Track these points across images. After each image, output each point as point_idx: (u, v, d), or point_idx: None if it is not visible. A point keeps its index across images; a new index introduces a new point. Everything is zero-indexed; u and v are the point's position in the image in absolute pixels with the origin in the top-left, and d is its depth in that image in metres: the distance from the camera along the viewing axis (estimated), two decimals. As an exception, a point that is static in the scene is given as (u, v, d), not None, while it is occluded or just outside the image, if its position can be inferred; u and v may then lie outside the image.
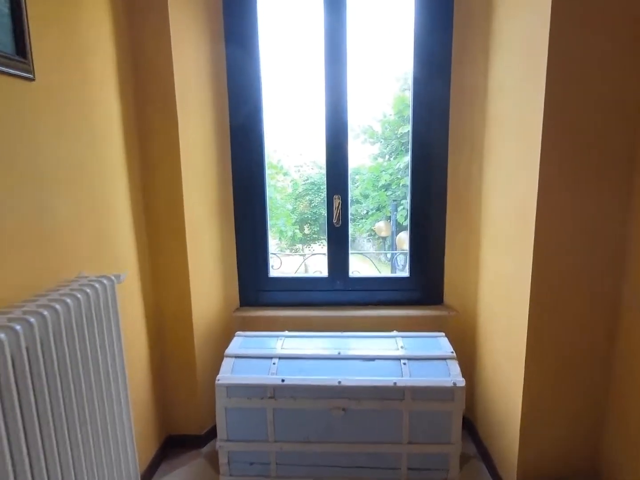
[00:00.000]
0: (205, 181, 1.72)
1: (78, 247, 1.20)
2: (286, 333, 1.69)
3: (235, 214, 1.88)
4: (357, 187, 6.96)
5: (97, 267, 1.28)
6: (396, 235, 6.13)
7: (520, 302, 1.35)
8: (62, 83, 1.14)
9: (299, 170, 8.08)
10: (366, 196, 7.19)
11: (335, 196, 1.84)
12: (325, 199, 1.85)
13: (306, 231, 8.97)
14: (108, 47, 1.38)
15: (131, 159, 1.52)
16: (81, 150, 1.22)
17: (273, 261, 2.04)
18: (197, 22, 1.63)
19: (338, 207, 1.84)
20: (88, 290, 1.02)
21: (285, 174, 6.28)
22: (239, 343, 1.62)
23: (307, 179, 8.37)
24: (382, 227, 6.42)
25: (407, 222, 5.95)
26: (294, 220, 6.54)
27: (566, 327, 1.33)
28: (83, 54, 1.23)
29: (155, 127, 1.56)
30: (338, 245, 1.90)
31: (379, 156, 6.36)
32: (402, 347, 1.56)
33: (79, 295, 0.98)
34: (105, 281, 1.11)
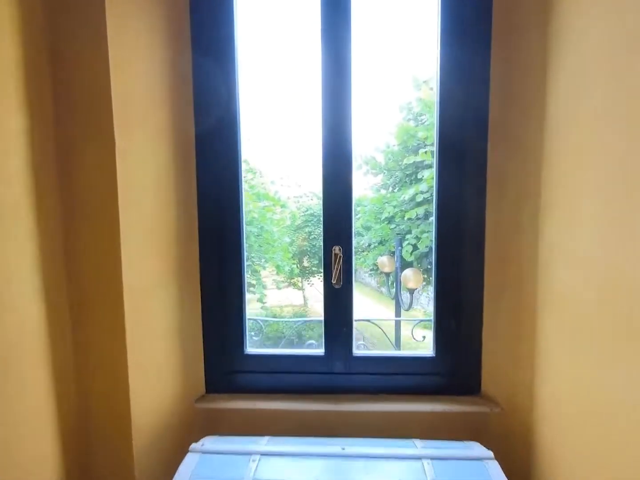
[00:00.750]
0: (158, 230, 1.24)
1: None
2: (263, 447, 1.15)
3: (202, 271, 1.38)
4: (359, 218, 6.51)
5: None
6: (401, 272, 5.61)
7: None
8: None
9: (298, 201, 7.68)
10: (368, 228, 6.74)
11: (335, 247, 1.35)
12: (322, 251, 1.36)
13: (305, 264, 8.47)
14: (9, 50, 0.93)
15: (43, 199, 1.04)
16: None
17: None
18: (150, 21, 1.20)
19: (338, 261, 1.35)
20: None
21: (282, 206, 5.85)
22: (192, 468, 1.09)
23: (307, 210, 7.95)
24: (385, 262, 5.90)
25: (412, 258, 5.43)
26: (291, 254, 6.06)
27: None
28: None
29: (82, 159, 1.10)
30: (338, 313, 1.40)
31: (382, 187, 5.96)
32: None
33: None
34: None
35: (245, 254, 1.40)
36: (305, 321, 1.60)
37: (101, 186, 1.09)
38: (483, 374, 1.37)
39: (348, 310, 1.40)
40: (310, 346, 1.51)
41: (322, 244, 1.36)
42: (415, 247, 5.25)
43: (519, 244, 1.25)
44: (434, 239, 1.36)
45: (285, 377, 1.41)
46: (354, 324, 1.44)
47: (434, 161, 1.35)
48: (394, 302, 6.28)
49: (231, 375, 1.42)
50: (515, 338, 1.29)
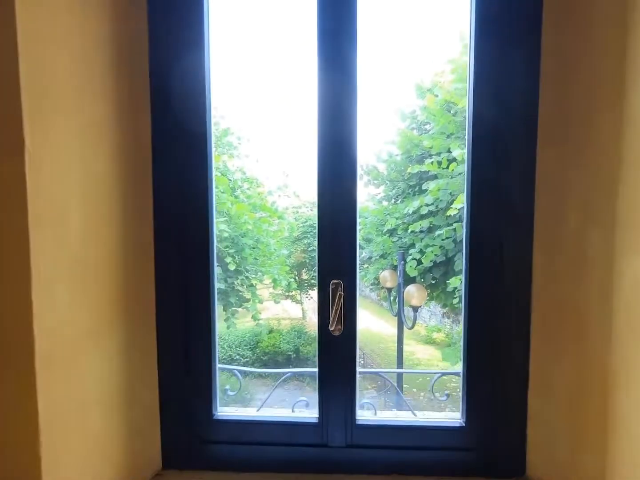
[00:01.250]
0: (92, 259, 0.90)
1: None
2: None
3: (159, 310, 1.04)
4: (360, 230, 6.19)
5: None
6: (404, 288, 5.26)
7: None
8: None
9: (296, 212, 7.34)
10: (369, 240, 6.41)
11: (334, 281, 1.02)
12: (317, 286, 1.03)
13: (304, 276, 8.11)
14: None
15: None
16: None
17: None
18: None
19: (339, 300, 1.01)
20: None
21: (280, 217, 5.52)
22: None
23: (306, 221, 7.61)
24: (387, 276, 5.56)
25: (415, 273, 5.10)
26: (289, 267, 5.69)
27: None
28: None
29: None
30: (337, 366, 1.05)
31: (383, 199, 5.62)
32: None
33: None
34: None
35: (216, 286, 1.06)
36: (295, 373, 1.26)
37: (4, 203, 0.76)
38: (529, 450, 1.02)
39: (350, 363, 1.05)
40: (299, 406, 1.16)
41: (316, 275, 1.02)
42: (419, 261, 4.92)
43: (583, 282, 0.92)
44: (463, 272, 1.02)
45: (268, 450, 1.06)
46: (357, 377, 1.10)
47: (464, 168, 1.02)
48: (395, 318, 5.92)
49: (197, 446, 1.07)
50: (577, 405, 0.94)
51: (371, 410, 1.21)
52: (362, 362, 7.74)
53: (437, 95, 4.58)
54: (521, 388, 1.00)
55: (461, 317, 1.05)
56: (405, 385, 6.80)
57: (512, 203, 0.98)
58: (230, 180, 4.88)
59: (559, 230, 0.94)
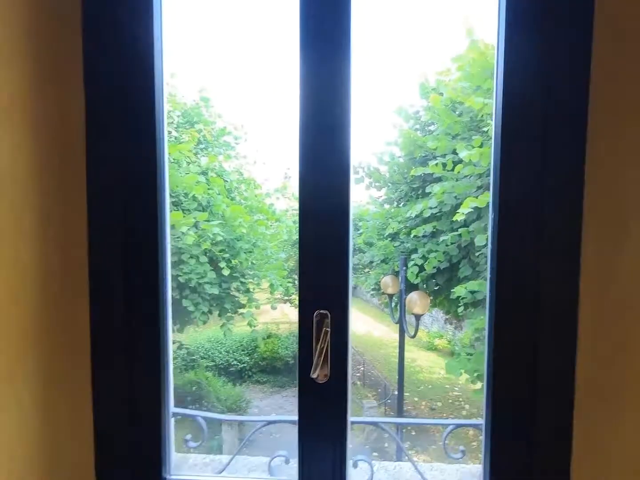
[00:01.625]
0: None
1: None
2: None
3: (95, 345, 0.82)
4: (361, 234, 5.94)
5: None
6: (406, 295, 5.02)
7: None
8: None
9: (295, 214, 7.10)
10: (370, 244, 6.17)
11: (320, 313, 0.79)
12: (298, 321, 0.80)
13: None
14: None
15: None
16: None
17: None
18: None
19: (324, 337, 0.78)
20: None
21: (277, 220, 5.29)
22: None
23: (305, 224, 7.36)
24: (388, 282, 5.32)
25: (418, 280, 4.87)
26: (287, 272, 5.47)
27: None
28: None
29: None
30: (323, 418, 0.82)
31: (385, 202, 5.40)
32: None
33: None
34: None
35: (169, 308, 0.83)
36: (271, 422, 1.04)
37: None
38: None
39: (339, 412, 0.82)
40: (278, 462, 0.92)
41: (297, 305, 0.79)
42: (421, 267, 4.68)
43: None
44: (487, 310, 0.79)
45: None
46: (349, 427, 0.86)
47: (490, 172, 0.79)
48: (397, 325, 5.69)
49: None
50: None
51: (366, 462, 0.98)
52: (362, 368, 7.51)
53: (442, 94, 4.34)
54: (563, 455, 0.76)
55: (484, 365, 0.81)
56: (406, 394, 6.55)
57: (552, 219, 0.74)
58: (227, 181, 4.67)
59: (616, 252, 0.70)
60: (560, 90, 0.73)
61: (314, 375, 0.75)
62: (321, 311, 0.78)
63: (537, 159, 0.74)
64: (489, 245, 0.78)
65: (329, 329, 0.76)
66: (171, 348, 0.86)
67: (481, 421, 0.84)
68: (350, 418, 0.87)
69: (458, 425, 0.89)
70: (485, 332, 0.79)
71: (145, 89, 0.78)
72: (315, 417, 0.83)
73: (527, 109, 0.74)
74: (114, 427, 0.82)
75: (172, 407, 0.85)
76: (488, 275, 0.78)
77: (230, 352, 6.98)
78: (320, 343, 0.77)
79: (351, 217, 0.82)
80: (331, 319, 0.78)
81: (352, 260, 0.84)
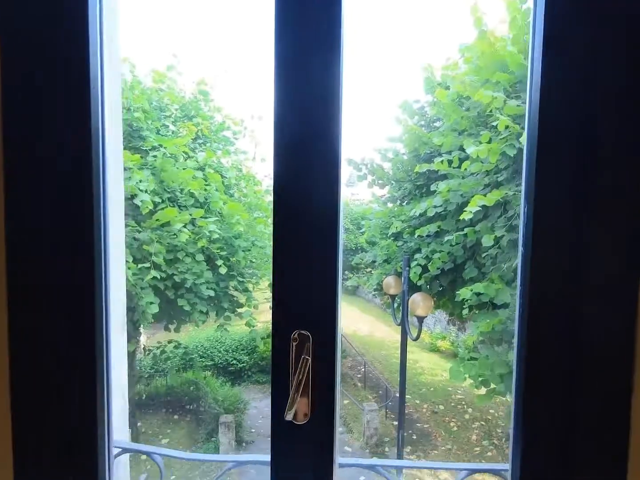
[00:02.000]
0: None
1: None
2: None
3: (14, 373, 0.65)
4: (363, 232, 5.76)
5: None
6: (409, 296, 4.83)
7: None
8: None
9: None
10: (373, 243, 5.99)
11: (299, 332, 0.61)
12: (271, 345, 0.62)
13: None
14: None
15: None
16: None
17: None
18: None
19: (303, 367, 0.61)
20: None
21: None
22: None
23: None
24: (391, 283, 5.13)
25: (421, 281, 4.68)
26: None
27: None
28: None
29: None
30: (302, 459, 0.65)
31: (389, 200, 5.20)
32: None
33: None
34: None
35: (109, 329, 0.66)
36: (241, 463, 0.86)
37: None
38: None
39: (323, 455, 0.65)
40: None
41: (270, 326, 0.62)
42: (425, 268, 4.49)
43: None
44: (516, 345, 0.61)
45: None
46: (335, 471, 0.69)
47: (521, 183, 0.62)
48: (399, 326, 5.50)
49: None
50: None
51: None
52: (363, 369, 7.34)
53: (448, 88, 4.13)
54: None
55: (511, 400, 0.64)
56: (407, 396, 6.38)
57: (602, 239, 0.56)
58: (225, 177, 4.49)
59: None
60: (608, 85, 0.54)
61: (289, 417, 0.58)
62: (301, 331, 0.61)
63: (578, 175, 0.56)
64: (518, 280, 0.60)
65: (309, 357, 0.59)
66: (111, 366, 0.69)
67: (505, 466, 0.66)
68: (338, 460, 0.70)
69: (473, 471, 0.72)
70: (514, 363, 0.62)
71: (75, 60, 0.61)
72: (293, 460, 0.65)
73: (567, 112, 0.56)
74: (38, 475, 0.64)
75: (112, 445, 0.68)
76: (517, 316, 0.59)
77: (230, 351, 6.83)
78: (298, 374, 0.59)
79: (341, 217, 0.64)
80: (313, 343, 0.60)
81: (345, 262, 0.66)
